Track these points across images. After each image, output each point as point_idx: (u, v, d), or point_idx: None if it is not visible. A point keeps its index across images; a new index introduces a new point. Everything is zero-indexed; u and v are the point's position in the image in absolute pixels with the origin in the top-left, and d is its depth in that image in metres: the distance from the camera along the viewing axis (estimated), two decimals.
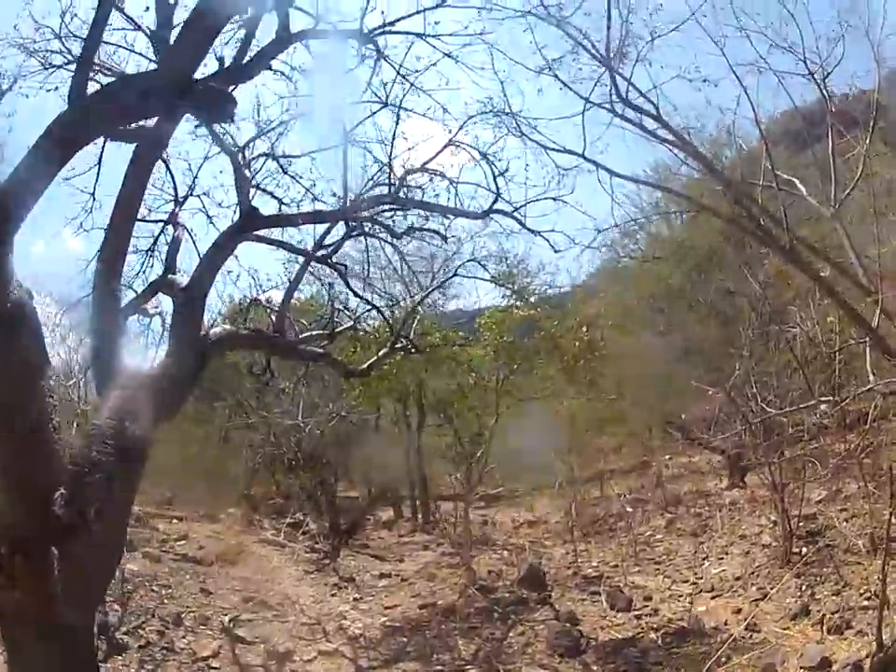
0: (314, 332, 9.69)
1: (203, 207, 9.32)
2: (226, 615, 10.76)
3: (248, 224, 7.88)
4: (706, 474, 19.12)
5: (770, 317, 14.42)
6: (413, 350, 11.90)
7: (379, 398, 17.98)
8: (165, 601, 10.86)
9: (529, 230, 9.65)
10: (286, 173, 9.29)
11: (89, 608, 4.84)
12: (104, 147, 7.74)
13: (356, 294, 11.34)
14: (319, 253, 9.44)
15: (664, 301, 20.17)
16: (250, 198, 8.35)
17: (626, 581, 11.73)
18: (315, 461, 17.26)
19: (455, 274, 12.51)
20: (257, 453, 19.97)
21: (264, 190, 9.10)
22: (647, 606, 10.45)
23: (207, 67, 5.63)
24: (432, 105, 8.57)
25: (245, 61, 5.94)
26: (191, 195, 9.22)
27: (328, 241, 9.49)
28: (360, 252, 11.26)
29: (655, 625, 9.57)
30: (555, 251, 10.04)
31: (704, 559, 12.16)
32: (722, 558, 11.88)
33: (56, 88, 7.94)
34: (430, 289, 13.79)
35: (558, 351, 15.20)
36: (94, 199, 8.86)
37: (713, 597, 10.48)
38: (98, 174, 8.39)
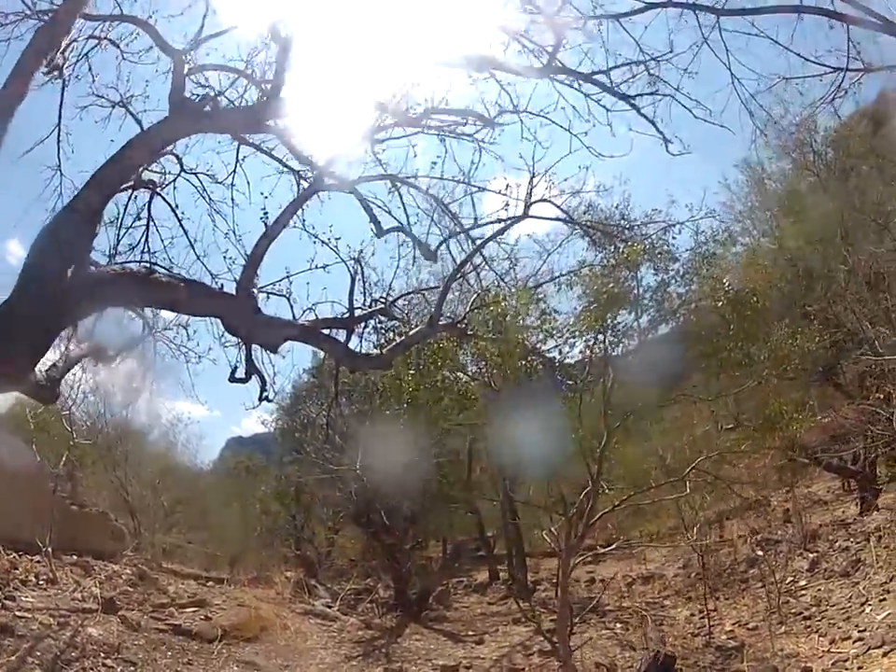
0: (322, 318, 7.39)
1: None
2: None
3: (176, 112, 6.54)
4: (829, 503, 16.71)
5: None
6: (465, 330, 9.17)
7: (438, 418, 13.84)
8: None
9: (618, 94, 7.79)
10: None
11: None
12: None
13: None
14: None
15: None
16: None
17: (773, 649, 9.53)
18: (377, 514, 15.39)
19: (526, 215, 8.79)
20: (337, 511, 18.71)
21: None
22: None
23: None
24: None
25: None
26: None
27: None
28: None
29: None
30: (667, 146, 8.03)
31: (862, 604, 9.87)
32: (884, 599, 9.55)
33: None
34: (484, 241, 9.60)
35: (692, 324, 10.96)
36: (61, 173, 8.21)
37: (885, 654, 8.13)
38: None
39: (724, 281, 10.25)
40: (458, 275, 9.91)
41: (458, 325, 9.11)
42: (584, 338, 10.83)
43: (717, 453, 11.30)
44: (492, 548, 19.39)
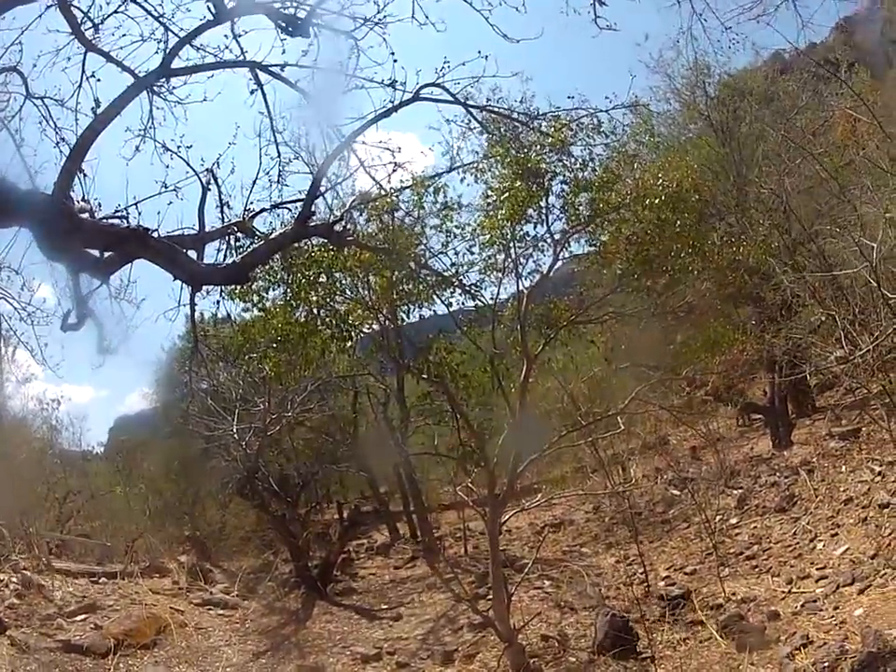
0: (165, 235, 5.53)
1: None
2: None
3: None
4: (733, 440, 16.70)
5: None
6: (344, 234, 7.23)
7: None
8: None
9: None
10: None
11: None
12: None
13: None
14: None
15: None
16: None
17: (724, 594, 8.83)
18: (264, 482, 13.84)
19: (417, 97, 6.74)
20: (225, 483, 16.80)
21: None
22: (787, 630, 7.41)
23: None
24: None
25: None
26: None
27: None
28: None
29: (828, 665, 6.32)
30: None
31: (811, 540, 9.40)
32: (836, 534, 9.07)
33: None
34: (368, 122, 6.71)
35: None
36: None
37: (861, 591, 7.50)
38: None
39: (659, 177, 9.05)
40: (336, 159, 7.77)
41: (334, 227, 6.98)
42: (490, 251, 9.32)
43: (659, 379, 10.42)
44: (387, 505, 18.11)
